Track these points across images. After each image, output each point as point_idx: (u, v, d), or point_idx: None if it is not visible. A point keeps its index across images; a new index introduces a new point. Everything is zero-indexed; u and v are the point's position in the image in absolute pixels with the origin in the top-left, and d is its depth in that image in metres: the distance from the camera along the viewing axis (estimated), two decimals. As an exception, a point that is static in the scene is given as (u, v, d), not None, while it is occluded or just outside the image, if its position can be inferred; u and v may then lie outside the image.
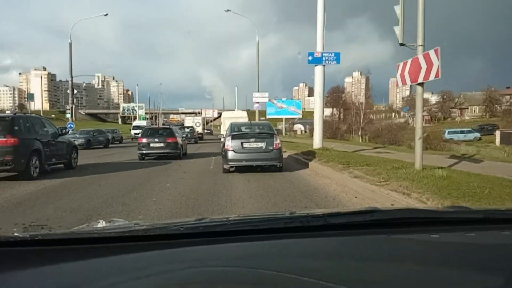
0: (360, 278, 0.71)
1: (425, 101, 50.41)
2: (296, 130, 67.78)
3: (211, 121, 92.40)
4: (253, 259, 0.82)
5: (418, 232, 1.10)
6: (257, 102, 28.63)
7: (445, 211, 1.56)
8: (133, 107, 71.71)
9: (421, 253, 0.94)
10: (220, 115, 49.72)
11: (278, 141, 11.16)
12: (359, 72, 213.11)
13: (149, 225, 1.18)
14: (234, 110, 40.55)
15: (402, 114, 79.25)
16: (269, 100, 43.51)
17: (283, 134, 52.64)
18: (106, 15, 34.02)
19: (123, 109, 70.74)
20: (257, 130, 11.68)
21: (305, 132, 63.66)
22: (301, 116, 54.18)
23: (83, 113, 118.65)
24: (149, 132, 16.71)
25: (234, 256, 0.87)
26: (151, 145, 15.67)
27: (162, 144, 15.65)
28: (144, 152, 15.63)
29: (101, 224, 1.22)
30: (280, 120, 56.96)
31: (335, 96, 79.18)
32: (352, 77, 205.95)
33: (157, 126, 23.90)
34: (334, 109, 73.22)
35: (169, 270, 0.79)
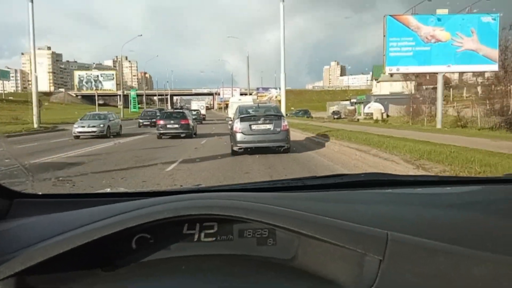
0: (323, 213, 0.92)
1: None
2: (371, 113, 41.32)
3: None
4: (239, 199, 0.99)
5: (376, 189, 1.36)
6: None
7: (406, 175, 1.71)
8: (97, 76, 45.86)
9: (372, 201, 1.19)
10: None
11: (286, 122, 11.27)
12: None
13: (151, 189, 1.63)
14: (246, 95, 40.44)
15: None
16: (391, 16, 19.92)
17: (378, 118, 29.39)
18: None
19: (79, 81, 44.71)
20: (265, 112, 11.70)
21: (388, 115, 38.92)
22: (496, 68, 22.70)
23: (73, 95, 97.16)
24: (165, 115, 19.48)
25: (223, 198, 1.03)
26: (168, 126, 18.22)
27: (177, 125, 18.24)
28: (161, 132, 18.18)
29: (109, 189, 1.71)
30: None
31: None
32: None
33: (171, 110, 25.22)
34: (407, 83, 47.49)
35: (162, 203, 0.96)
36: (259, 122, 10.94)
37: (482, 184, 1.51)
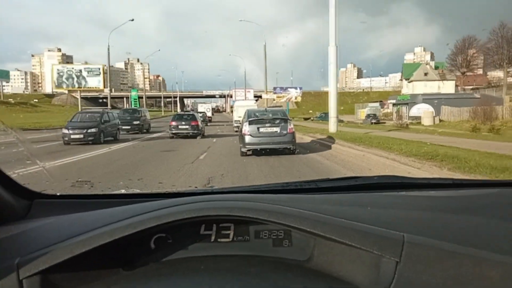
0: (339, 215, 0.93)
1: None
2: (419, 117, 33.30)
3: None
4: (252, 200, 1.00)
5: (390, 192, 1.36)
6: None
7: (419, 178, 1.77)
8: (80, 71, 36.19)
9: (387, 203, 1.17)
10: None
11: (292, 125, 11.76)
12: (422, 48, 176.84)
13: (166, 190, 1.41)
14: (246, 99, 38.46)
15: None
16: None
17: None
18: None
19: (58, 76, 34.82)
20: (272, 116, 12.08)
21: (441, 120, 30.96)
22: None
23: (77, 97, 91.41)
24: (177, 117, 21.31)
25: (240, 199, 1.05)
26: (179, 126, 20.23)
27: (187, 126, 20.17)
28: (174, 132, 20.16)
29: (124, 191, 1.80)
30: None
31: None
32: (414, 53, 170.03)
33: (182, 112, 26.91)
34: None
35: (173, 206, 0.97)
36: (266, 125, 11.57)
37: (496, 187, 1.49)
